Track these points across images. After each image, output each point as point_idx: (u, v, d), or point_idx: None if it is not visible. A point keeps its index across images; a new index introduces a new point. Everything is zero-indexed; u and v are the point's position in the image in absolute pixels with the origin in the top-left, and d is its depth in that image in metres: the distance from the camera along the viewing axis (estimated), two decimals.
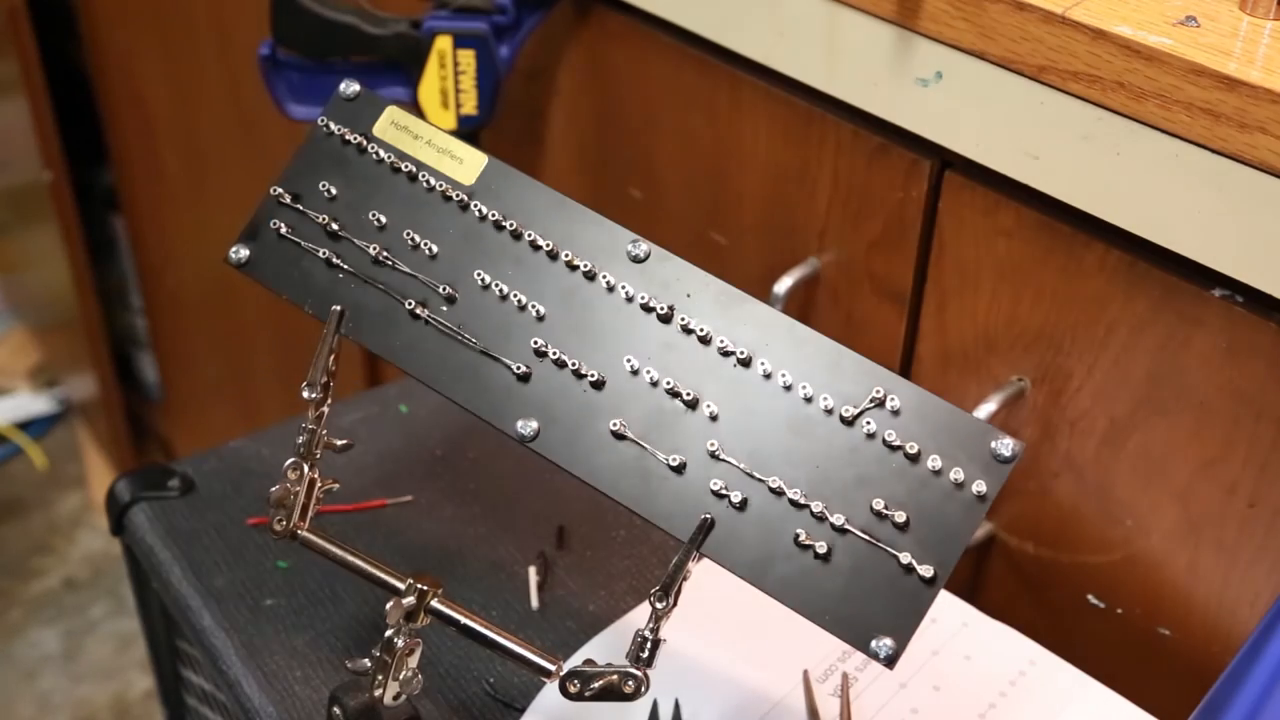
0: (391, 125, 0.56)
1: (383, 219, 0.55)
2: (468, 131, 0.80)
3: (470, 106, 0.79)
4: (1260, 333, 0.54)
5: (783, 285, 0.70)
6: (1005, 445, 0.46)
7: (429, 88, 0.79)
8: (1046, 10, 0.53)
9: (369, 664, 0.51)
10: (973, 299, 0.64)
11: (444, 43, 0.77)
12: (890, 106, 0.62)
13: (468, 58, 0.78)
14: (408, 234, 0.54)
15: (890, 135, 0.64)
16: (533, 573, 0.64)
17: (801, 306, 0.73)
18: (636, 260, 0.51)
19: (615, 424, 0.49)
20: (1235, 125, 0.49)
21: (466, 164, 0.55)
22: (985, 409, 0.63)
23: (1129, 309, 0.58)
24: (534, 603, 0.63)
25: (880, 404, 0.47)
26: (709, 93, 0.73)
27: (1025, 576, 0.68)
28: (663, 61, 0.74)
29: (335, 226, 0.55)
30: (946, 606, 0.63)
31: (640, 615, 0.62)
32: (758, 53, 0.67)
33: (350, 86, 0.57)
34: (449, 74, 0.78)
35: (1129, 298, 0.58)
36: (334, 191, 0.56)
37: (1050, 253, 0.60)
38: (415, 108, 0.79)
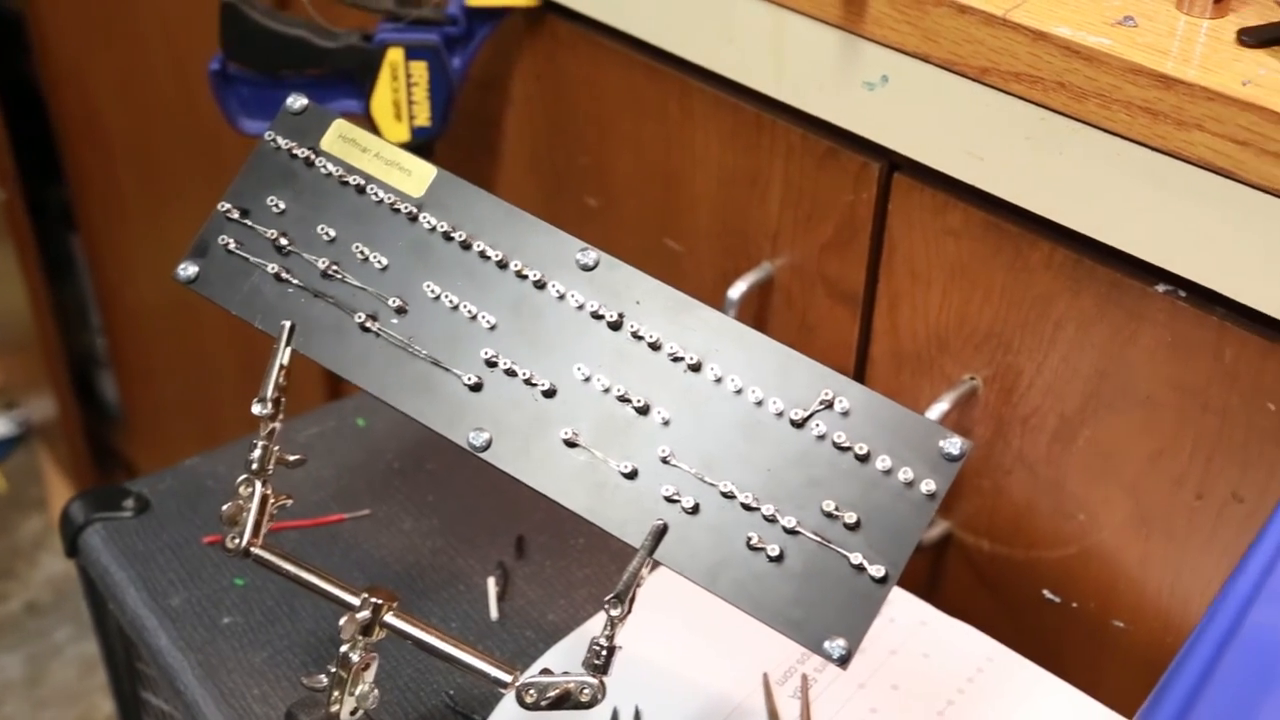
0: (339, 139, 0.56)
1: (332, 232, 0.54)
2: (421, 143, 0.80)
3: (424, 118, 0.79)
4: (1203, 327, 0.54)
5: (737, 290, 0.71)
6: (953, 444, 0.46)
7: (381, 100, 0.78)
8: (988, 13, 0.54)
9: (325, 680, 0.51)
10: (924, 299, 0.65)
11: (395, 55, 0.77)
12: (838, 110, 0.62)
13: (420, 69, 0.78)
14: (357, 247, 0.54)
15: (839, 139, 0.65)
16: (492, 583, 0.64)
17: (756, 310, 0.73)
18: (585, 269, 0.51)
19: (567, 432, 0.49)
20: (1173, 123, 0.50)
21: (415, 176, 0.55)
22: (938, 408, 0.64)
23: (1076, 306, 0.59)
24: (493, 613, 0.63)
25: (829, 406, 0.48)
26: (660, 99, 0.73)
27: (982, 574, 0.69)
28: (614, 69, 0.75)
29: (284, 241, 0.55)
30: (904, 605, 0.63)
31: (600, 623, 0.62)
32: (706, 59, 0.67)
33: (298, 100, 0.57)
34: (401, 86, 0.78)
35: (1075, 295, 0.58)
36: (282, 206, 0.55)
37: (998, 252, 0.61)
38: (368, 120, 0.79)
